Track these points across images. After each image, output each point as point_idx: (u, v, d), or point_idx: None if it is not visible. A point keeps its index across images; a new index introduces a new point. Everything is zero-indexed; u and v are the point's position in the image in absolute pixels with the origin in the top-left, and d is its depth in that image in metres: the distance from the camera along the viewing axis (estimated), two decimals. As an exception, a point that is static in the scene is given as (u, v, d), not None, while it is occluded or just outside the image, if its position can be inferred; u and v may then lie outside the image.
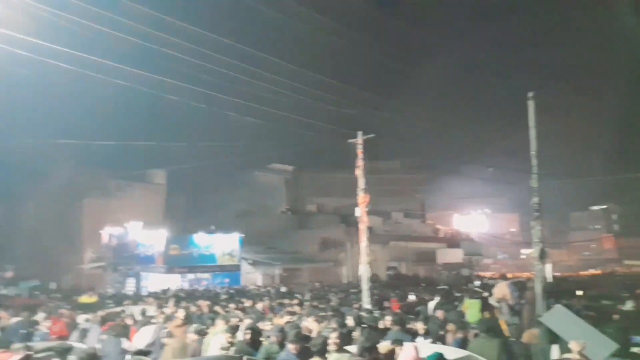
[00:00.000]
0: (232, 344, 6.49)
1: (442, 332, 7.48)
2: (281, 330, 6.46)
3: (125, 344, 7.80)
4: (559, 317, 5.84)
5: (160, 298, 16.17)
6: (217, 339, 6.74)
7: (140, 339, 8.44)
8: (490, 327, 6.86)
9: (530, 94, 11.75)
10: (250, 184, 48.89)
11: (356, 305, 12.03)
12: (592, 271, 44.61)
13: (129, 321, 10.03)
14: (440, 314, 8.84)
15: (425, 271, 39.20)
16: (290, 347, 5.35)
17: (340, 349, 5.41)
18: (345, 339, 5.36)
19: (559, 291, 15.23)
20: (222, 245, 30.44)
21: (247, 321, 7.84)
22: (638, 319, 7.73)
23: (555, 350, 5.85)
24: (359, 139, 14.09)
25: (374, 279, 26.35)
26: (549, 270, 11.42)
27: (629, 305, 9.97)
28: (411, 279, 32.18)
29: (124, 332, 8.71)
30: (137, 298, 19.09)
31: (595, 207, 76.49)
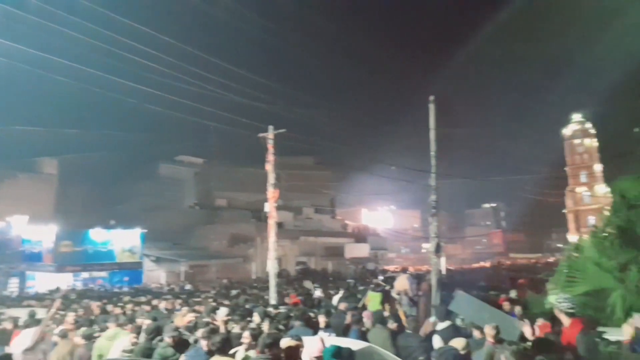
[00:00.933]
0: (135, 345, 6.11)
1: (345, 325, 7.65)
2: (176, 330, 6.15)
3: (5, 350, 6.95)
4: (466, 304, 6.12)
5: (46, 299, 14.73)
6: (121, 341, 6.33)
7: (19, 343, 7.58)
8: (380, 319, 7.18)
9: (431, 98, 12.44)
10: (156, 177, 46.51)
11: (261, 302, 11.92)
12: (482, 263, 48.89)
13: (7, 325, 8.98)
14: (342, 306, 9.04)
15: (333, 266, 40.16)
16: (203, 343, 5.17)
17: (250, 347, 5.30)
18: (256, 337, 5.28)
19: (452, 283, 16.44)
20: (122, 241, 28.63)
21: (147, 322, 7.39)
22: (524, 306, 8.44)
23: (437, 340, 6.14)
24: (270, 134, 13.95)
25: (283, 274, 26.50)
26: (443, 263, 12.22)
27: (513, 294, 10.95)
28: (320, 274, 32.76)
29: (2, 337, 7.78)
30: (19, 300, 17.25)
31: (486, 205, 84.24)
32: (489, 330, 4.82)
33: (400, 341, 6.46)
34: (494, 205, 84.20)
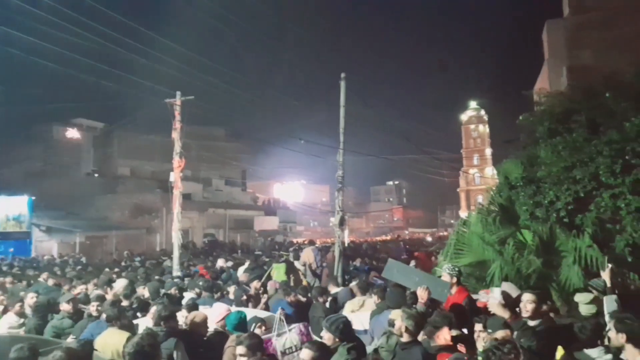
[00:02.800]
0: (23, 323, 5.65)
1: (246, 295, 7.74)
2: (71, 301, 5.79)
3: None
4: (397, 270, 6.39)
5: None
6: (6, 318, 5.82)
7: None
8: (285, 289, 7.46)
9: (342, 75, 12.66)
10: (47, 140, 42.32)
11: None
12: (384, 237, 51.80)
13: None
14: (244, 277, 9.13)
15: (242, 238, 39.98)
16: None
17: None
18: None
19: (355, 254, 17.26)
20: (6, 208, 25.91)
21: (30, 295, 6.83)
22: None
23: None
24: (177, 100, 13.33)
25: (189, 246, 25.83)
26: (346, 236, 12.77)
27: (411, 264, 11.79)
28: (228, 246, 32.46)
29: None
30: None
31: (390, 183, 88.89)
32: (420, 292, 5.11)
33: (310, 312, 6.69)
34: (397, 182, 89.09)
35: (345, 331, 3.93)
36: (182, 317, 4.90)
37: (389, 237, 48.47)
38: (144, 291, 7.16)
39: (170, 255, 17.77)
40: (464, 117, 75.82)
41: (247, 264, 12.76)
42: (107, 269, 13.28)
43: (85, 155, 46.40)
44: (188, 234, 27.51)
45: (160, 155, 45.79)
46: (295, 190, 65.78)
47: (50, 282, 9.74)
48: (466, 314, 4.89)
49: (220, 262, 13.83)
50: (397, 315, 4.61)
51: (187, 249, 20.75)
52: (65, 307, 5.71)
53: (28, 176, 35.33)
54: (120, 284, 7.12)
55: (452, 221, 64.15)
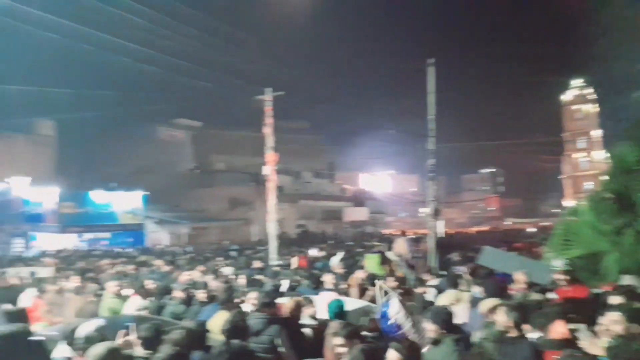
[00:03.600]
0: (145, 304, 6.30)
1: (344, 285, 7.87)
2: (186, 289, 6.32)
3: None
4: (493, 256, 6.23)
5: (58, 258, 15.03)
6: (132, 300, 6.55)
7: (23, 300, 7.83)
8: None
9: (430, 61, 12.23)
10: (153, 139, 46.35)
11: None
12: (479, 228, 49.55)
13: (14, 281, 9.23)
14: (338, 267, 9.26)
15: (332, 229, 40.68)
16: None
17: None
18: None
19: (449, 245, 16.74)
20: (124, 203, 28.85)
21: (150, 281, 7.58)
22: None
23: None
24: (268, 96, 13.82)
25: (282, 237, 26.86)
26: (441, 227, 12.42)
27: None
28: (319, 237, 33.24)
29: (8, 295, 7.98)
30: (28, 259, 17.57)
31: (484, 170, 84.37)
32: (519, 277, 4.93)
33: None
34: (491, 170, 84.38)
35: (449, 322, 3.87)
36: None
37: (484, 228, 46.29)
38: (241, 280, 7.59)
39: (266, 245, 18.65)
40: (565, 97, 69.33)
41: (338, 254, 12.94)
42: (210, 257, 14.25)
43: (187, 152, 50.13)
44: (281, 225, 28.61)
45: (252, 149, 48.03)
46: (383, 181, 65.24)
47: (165, 269, 10.74)
48: (586, 307, 4.53)
49: (313, 252, 14.18)
50: (490, 306, 4.43)
51: (281, 240, 21.57)
52: (178, 294, 6.25)
53: (138, 173, 38.96)
54: (227, 271, 7.63)
55: (554, 210, 59.47)
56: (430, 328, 3.87)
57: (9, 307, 5.73)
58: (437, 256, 11.37)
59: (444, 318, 3.87)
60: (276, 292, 6.16)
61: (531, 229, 34.83)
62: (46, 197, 26.40)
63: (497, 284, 5.88)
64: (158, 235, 30.27)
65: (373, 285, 7.19)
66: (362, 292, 6.85)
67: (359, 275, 7.67)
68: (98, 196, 27.94)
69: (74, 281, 7.94)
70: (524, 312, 3.97)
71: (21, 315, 4.61)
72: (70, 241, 25.54)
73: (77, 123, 39.03)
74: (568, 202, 51.15)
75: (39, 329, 5.04)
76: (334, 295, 5.73)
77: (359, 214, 46.98)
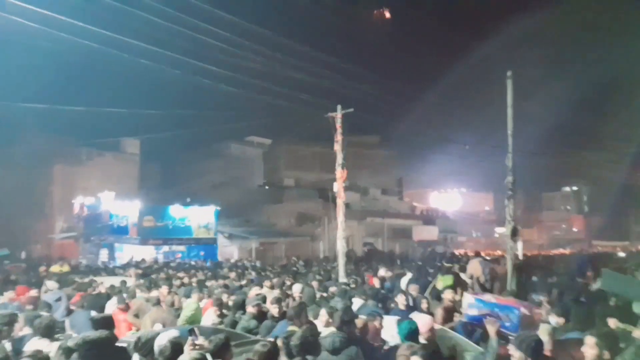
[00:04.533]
0: (221, 317, 6.47)
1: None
2: (257, 304, 6.38)
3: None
4: (615, 281, 5.82)
5: (141, 269, 16.00)
6: (208, 313, 6.75)
7: (109, 308, 8.32)
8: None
9: (508, 73, 11.66)
10: (226, 156, 48.31)
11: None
12: (561, 250, 46.12)
13: (101, 290, 9.88)
14: (413, 288, 8.91)
15: (400, 247, 39.78)
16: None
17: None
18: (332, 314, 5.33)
19: (528, 268, 15.64)
20: (198, 217, 30.17)
21: (226, 295, 7.76)
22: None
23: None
24: (338, 113, 13.89)
25: (350, 255, 26.68)
26: (519, 248, 11.63)
27: (599, 283, 10.20)
28: (387, 255, 32.61)
29: (96, 302, 8.52)
30: (111, 270, 18.87)
31: (566, 188, 78.40)
32: None
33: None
34: (575, 188, 78.27)
35: (538, 351, 3.54)
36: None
37: (567, 251, 42.99)
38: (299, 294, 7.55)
39: (333, 262, 18.57)
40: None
41: (408, 274, 12.51)
42: (279, 272, 14.42)
43: (257, 169, 51.73)
44: (348, 242, 28.45)
45: (320, 165, 48.53)
46: (454, 199, 63.03)
47: (236, 283, 11.02)
48: None
49: (382, 272, 13.85)
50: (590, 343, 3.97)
51: (349, 257, 21.42)
52: (250, 309, 6.31)
53: (211, 188, 40.69)
54: (296, 289, 7.64)
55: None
56: (516, 355, 3.56)
57: (95, 314, 6.10)
58: (514, 280, 10.64)
59: (533, 346, 3.55)
60: (351, 310, 6.02)
61: (621, 253, 31.79)
62: (129, 210, 28.30)
63: (588, 312, 5.32)
64: (229, 249, 31.26)
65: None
66: (449, 316, 6.45)
67: (447, 296, 7.20)
68: (176, 211, 29.48)
69: (163, 291, 8.27)
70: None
71: (107, 322, 4.85)
72: (149, 253, 27.08)
73: (160, 142, 41.85)
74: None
75: (124, 337, 5.29)
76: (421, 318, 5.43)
77: (428, 232, 45.60)
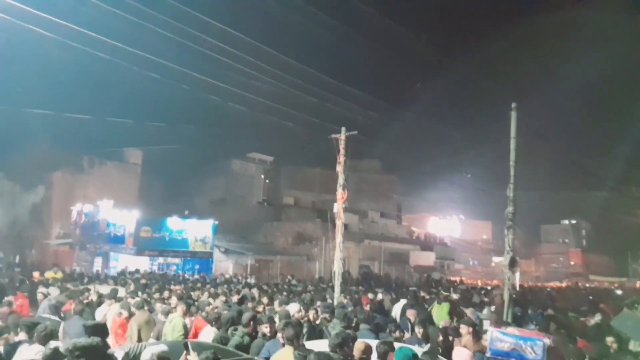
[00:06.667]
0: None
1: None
2: (251, 321, 6.33)
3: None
4: (631, 323, 5.79)
5: (134, 280, 15.88)
6: (206, 330, 6.71)
7: (98, 315, 8.29)
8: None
9: (513, 105, 11.84)
10: (227, 172, 48.41)
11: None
12: (557, 283, 45.77)
13: (94, 298, 9.83)
14: (411, 314, 8.84)
15: (397, 272, 39.52)
16: (280, 335, 5.34)
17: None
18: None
19: (524, 300, 15.53)
20: (195, 231, 30.07)
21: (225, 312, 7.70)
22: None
23: None
24: (342, 135, 14.00)
25: (345, 276, 26.50)
26: (517, 279, 11.58)
27: (597, 319, 10.13)
28: (382, 279, 32.39)
29: (88, 310, 8.48)
30: (104, 278, 18.74)
31: (565, 222, 78.21)
32: None
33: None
34: (574, 222, 78.10)
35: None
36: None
37: (563, 284, 42.67)
38: (310, 314, 7.48)
39: (329, 282, 18.42)
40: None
41: (402, 300, 12.40)
42: (276, 292, 14.31)
43: (257, 186, 51.75)
44: (345, 264, 28.27)
45: (320, 186, 48.58)
46: (453, 226, 62.90)
47: (234, 299, 10.94)
48: None
49: (378, 295, 13.75)
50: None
51: (345, 279, 21.26)
52: (244, 329, 6.24)
53: (212, 204, 40.65)
54: (293, 308, 7.59)
55: (647, 271, 53.58)
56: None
57: (89, 321, 6.06)
58: (511, 310, 10.57)
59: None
60: (347, 333, 5.99)
61: (618, 291, 31.57)
62: (127, 220, 28.21)
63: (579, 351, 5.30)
64: (224, 265, 31.05)
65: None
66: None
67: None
68: (174, 223, 29.40)
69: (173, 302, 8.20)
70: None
71: (100, 330, 4.82)
72: (144, 264, 26.88)
73: (162, 154, 42.02)
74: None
75: (115, 346, 5.25)
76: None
77: (425, 258, 45.38)
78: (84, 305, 8.18)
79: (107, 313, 8.32)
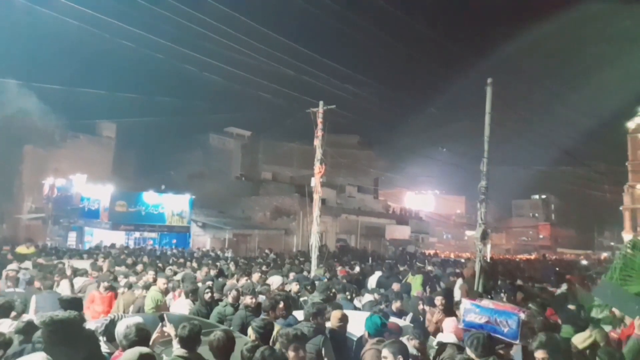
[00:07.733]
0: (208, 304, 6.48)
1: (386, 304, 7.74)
2: (235, 291, 6.40)
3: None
4: (611, 292, 5.86)
5: (108, 255, 15.72)
6: (179, 302, 6.77)
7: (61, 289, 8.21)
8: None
9: (489, 80, 11.97)
10: (205, 146, 47.83)
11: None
12: (526, 256, 47.49)
13: (68, 272, 9.75)
14: (396, 287, 9.10)
15: (373, 245, 40.23)
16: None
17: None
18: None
19: (494, 271, 16.10)
20: (172, 205, 29.83)
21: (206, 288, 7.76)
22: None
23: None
24: (320, 109, 13.99)
25: (322, 250, 26.85)
26: (488, 251, 11.99)
27: (563, 288, 10.62)
28: (359, 252, 32.94)
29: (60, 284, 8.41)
30: (79, 252, 18.53)
31: (535, 196, 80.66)
32: (638, 322, 4.63)
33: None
34: (544, 196, 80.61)
35: (487, 346, 3.77)
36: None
37: (532, 256, 44.27)
38: (293, 286, 7.63)
39: (307, 256, 18.68)
40: (631, 124, 65.42)
41: (377, 272, 12.71)
42: (253, 265, 14.44)
43: (235, 161, 51.40)
44: (322, 238, 28.61)
45: (298, 161, 48.54)
46: (428, 200, 64.03)
47: (212, 272, 11.00)
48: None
49: (356, 268, 14.04)
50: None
51: (321, 252, 21.58)
52: (228, 299, 6.32)
53: (190, 178, 40.24)
54: (275, 281, 7.70)
55: (612, 243, 56.01)
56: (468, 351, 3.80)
57: (64, 295, 6.05)
58: (481, 281, 10.97)
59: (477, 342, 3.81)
60: (322, 303, 6.15)
61: (584, 262, 33.00)
62: (101, 194, 27.73)
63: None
64: (201, 239, 31.02)
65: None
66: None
67: (440, 301, 7.03)
68: (150, 197, 29.05)
69: (150, 276, 8.19)
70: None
71: (76, 304, 4.83)
72: (120, 238, 26.64)
73: (137, 127, 41.10)
74: (627, 236, 48.12)
75: (93, 321, 5.28)
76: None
77: (401, 232, 46.25)
78: (53, 280, 8.10)
79: (88, 287, 8.28)
